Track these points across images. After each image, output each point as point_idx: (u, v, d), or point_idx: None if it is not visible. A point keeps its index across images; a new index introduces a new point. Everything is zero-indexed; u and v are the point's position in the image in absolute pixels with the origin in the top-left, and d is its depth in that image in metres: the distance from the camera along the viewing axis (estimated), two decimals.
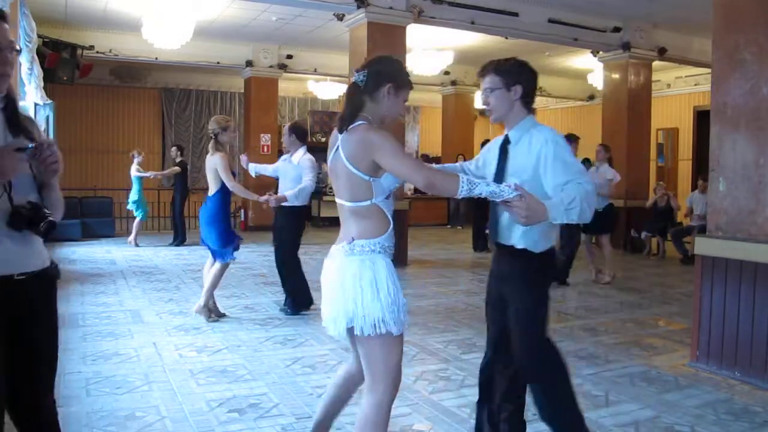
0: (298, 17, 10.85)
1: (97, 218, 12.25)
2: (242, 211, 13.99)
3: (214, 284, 5.72)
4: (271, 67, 13.41)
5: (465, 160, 12.43)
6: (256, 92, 13.66)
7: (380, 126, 2.47)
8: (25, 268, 1.96)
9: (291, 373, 4.32)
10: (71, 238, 11.34)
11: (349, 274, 2.36)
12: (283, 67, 13.50)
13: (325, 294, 2.49)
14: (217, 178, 5.56)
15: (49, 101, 10.55)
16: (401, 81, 2.51)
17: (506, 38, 10.88)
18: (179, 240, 11.21)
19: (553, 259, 2.87)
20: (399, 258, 9.12)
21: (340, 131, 2.46)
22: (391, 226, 2.45)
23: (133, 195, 11.09)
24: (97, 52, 11.97)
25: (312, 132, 16.98)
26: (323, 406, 2.75)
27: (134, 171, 11.12)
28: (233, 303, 6.48)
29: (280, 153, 14.24)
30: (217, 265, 5.69)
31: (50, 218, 1.94)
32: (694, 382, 4.28)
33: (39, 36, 10.56)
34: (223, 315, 5.86)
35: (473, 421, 3.49)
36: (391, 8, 8.93)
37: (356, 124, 2.42)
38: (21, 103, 9.68)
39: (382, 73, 2.47)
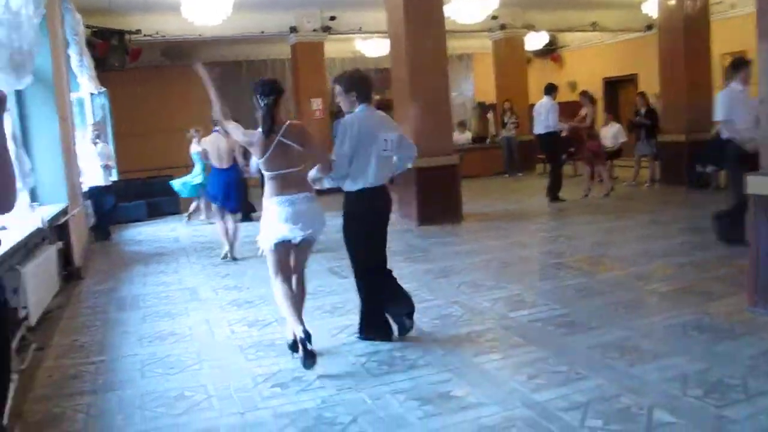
0: None
1: (161, 197, 12.62)
2: None
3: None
4: (315, 30, 13.33)
5: (511, 106, 11.85)
6: (303, 57, 13.64)
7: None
8: None
9: (336, 342, 4.39)
10: (138, 218, 11.76)
11: (320, 210, 4.08)
12: (327, 29, 13.40)
13: (303, 221, 3.94)
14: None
15: (103, 89, 10.88)
16: None
17: None
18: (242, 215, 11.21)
19: (350, 200, 4.23)
20: (453, 214, 9.01)
21: (277, 131, 3.97)
22: None
23: (196, 176, 10.65)
24: (144, 36, 12.18)
25: None
26: (293, 301, 3.97)
27: (195, 149, 11.05)
28: None
29: (333, 116, 14.33)
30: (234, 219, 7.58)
31: None
32: (750, 329, 4.08)
33: (87, 26, 10.86)
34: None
35: (513, 383, 3.48)
36: None
37: (289, 122, 4.06)
38: (75, 95, 9.97)
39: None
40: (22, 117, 6.56)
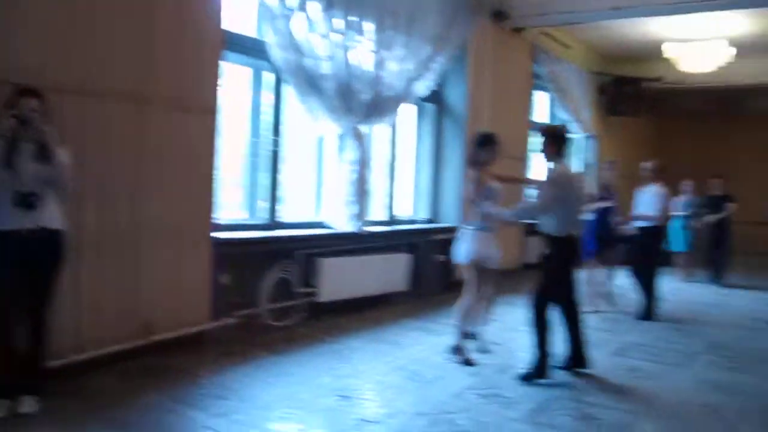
0: None
1: None
2: None
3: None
4: None
5: None
6: None
7: None
8: (27, 225, 3.35)
9: None
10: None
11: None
12: None
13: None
14: None
15: (591, 133, 11.46)
16: None
17: None
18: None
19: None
20: None
21: None
22: None
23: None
24: (664, 83, 11.92)
25: None
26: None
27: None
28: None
29: None
30: None
31: (33, 201, 3.31)
32: None
33: (601, 73, 11.66)
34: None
35: None
36: None
37: None
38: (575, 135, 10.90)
39: None
40: (438, 145, 8.10)
